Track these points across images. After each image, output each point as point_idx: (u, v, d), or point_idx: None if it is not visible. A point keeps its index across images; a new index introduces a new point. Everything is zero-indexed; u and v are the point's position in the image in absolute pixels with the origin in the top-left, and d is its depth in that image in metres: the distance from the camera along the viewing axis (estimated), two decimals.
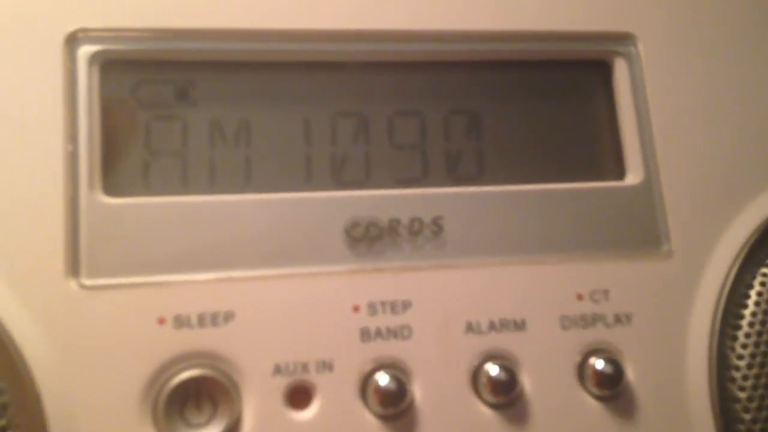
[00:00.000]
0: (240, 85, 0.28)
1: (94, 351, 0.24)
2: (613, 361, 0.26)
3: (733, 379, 0.27)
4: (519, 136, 0.30)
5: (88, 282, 0.25)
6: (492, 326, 0.26)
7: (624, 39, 0.30)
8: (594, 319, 0.27)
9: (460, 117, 0.29)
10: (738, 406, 0.27)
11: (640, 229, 0.29)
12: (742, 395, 0.27)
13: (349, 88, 0.29)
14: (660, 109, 0.30)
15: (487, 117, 0.29)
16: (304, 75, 0.28)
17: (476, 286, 0.27)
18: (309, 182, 0.27)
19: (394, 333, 0.26)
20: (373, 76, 0.29)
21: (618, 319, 0.27)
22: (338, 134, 0.28)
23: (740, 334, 0.27)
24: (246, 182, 0.27)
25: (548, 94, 0.30)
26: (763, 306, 0.27)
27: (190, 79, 0.27)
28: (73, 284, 0.24)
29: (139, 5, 0.27)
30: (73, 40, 0.26)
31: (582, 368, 0.27)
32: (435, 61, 0.30)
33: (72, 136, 0.25)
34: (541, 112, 0.30)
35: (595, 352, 0.27)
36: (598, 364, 0.26)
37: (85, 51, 0.26)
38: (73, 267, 0.24)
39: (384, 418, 0.25)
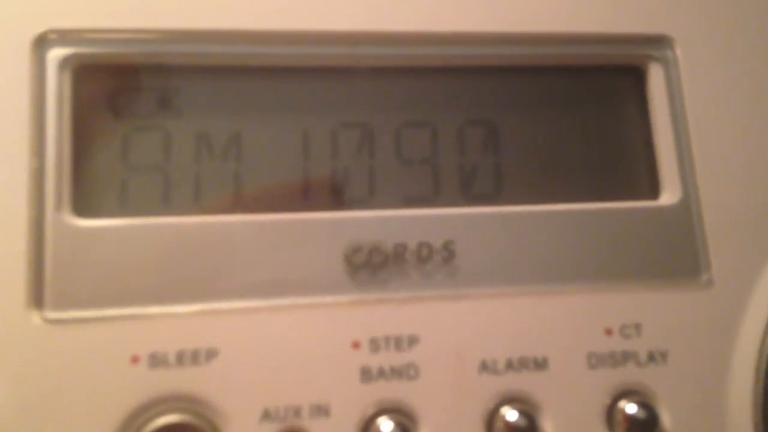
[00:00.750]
0: (230, 93, 0.26)
1: (58, 394, 0.22)
2: (646, 404, 0.24)
3: None
4: (541, 150, 0.27)
5: (52, 315, 0.22)
6: (510, 365, 0.24)
7: (659, 42, 0.28)
8: (625, 357, 0.25)
9: (475, 129, 0.27)
10: None
11: (676, 256, 0.26)
12: None
13: (353, 97, 0.26)
14: (699, 119, 0.27)
15: (505, 129, 0.27)
16: (302, 81, 0.26)
17: (492, 319, 0.24)
18: (305, 201, 0.25)
19: (399, 372, 0.24)
20: (379, 83, 0.27)
21: (652, 357, 0.25)
22: (339, 147, 0.26)
23: None
24: (235, 201, 0.25)
25: (574, 104, 0.28)
26: None
27: (174, 86, 0.25)
28: (35, 317, 0.22)
29: (117, 3, 0.24)
30: (41, 42, 0.24)
31: (611, 413, 0.24)
32: (448, 66, 0.27)
33: (38, 150, 0.23)
34: (566, 124, 0.28)
35: (626, 394, 0.25)
36: (630, 408, 0.24)
37: (55, 54, 0.24)
38: (36, 298, 0.22)
39: None
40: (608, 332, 0.25)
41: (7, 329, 0.22)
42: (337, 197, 0.25)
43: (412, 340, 0.24)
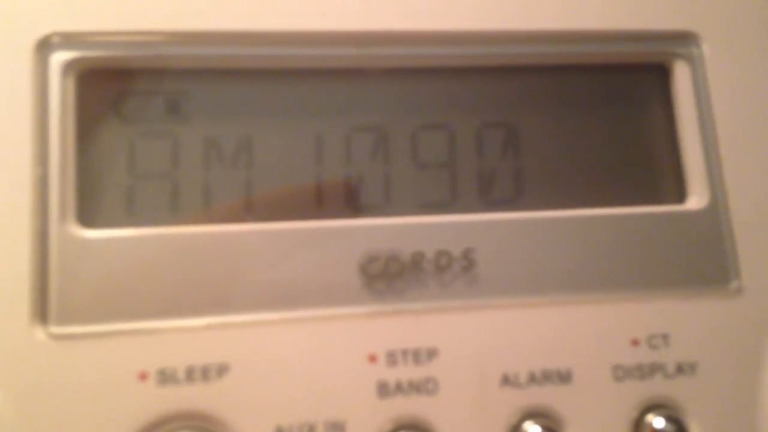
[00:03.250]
0: (239, 97, 0.25)
1: (64, 412, 0.21)
2: (674, 418, 0.24)
3: None
4: (562, 153, 0.26)
5: (57, 330, 0.21)
6: (532, 378, 0.23)
7: (685, 38, 0.27)
8: (652, 369, 0.24)
9: (494, 131, 0.26)
10: None
11: (704, 262, 0.25)
12: None
13: (366, 99, 0.26)
14: (727, 119, 0.26)
15: (525, 131, 0.26)
16: (314, 84, 0.25)
17: (514, 330, 0.24)
18: (319, 209, 0.24)
19: (417, 387, 0.23)
20: (393, 85, 0.26)
21: (680, 369, 0.24)
22: (353, 152, 0.25)
23: None
24: (246, 210, 0.24)
25: (596, 104, 0.27)
26: None
27: (183, 90, 0.24)
28: (40, 333, 0.21)
29: (122, 5, 0.24)
30: (45, 46, 0.23)
31: (638, 427, 0.24)
32: (465, 66, 0.26)
33: (42, 158, 0.22)
34: (588, 125, 0.27)
35: (654, 408, 0.24)
36: (657, 422, 0.23)
37: (58, 58, 0.23)
38: (41, 312, 0.21)
39: None
40: (635, 343, 0.24)
41: (11, 345, 0.21)
42: (351, 204, 0.25)
43: (431, 353, 0.23)
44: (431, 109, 0.26)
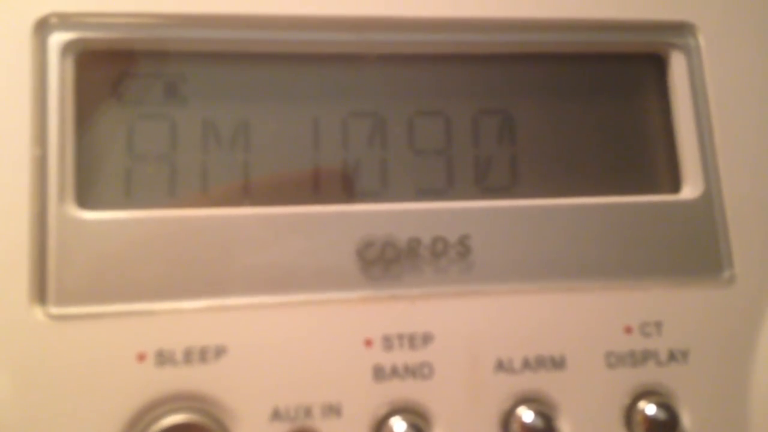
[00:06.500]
0: (238, 80, 0.25)
1: (62, 392, 0.21)
2: (666, 405, 0.24)
3: None
4: (557, 141, 0.26)
5: (56, 311, 0.22)
6: (526, 364, 0.23)
7: (681, 29, 0.27)
8: (645, 357, 0.24)
9: (490, 118, 0.26)
10: None
11: (698, 252, 0.25)
12: None
13: (364, 85, 0.26)
14: (723, 110, 0.26)
15: (521, 118, 0.26)
16: (313, 69, 0.25)
17: (508, 316, 0.24)
18: (316, 194, 0.24)
19: (413, 371, 0.23)
20: (390, 71, 0.26)
21: (672, 357, 0.24)
22: (351, 138, 0.25)
23: None
24: (244, 193, 0.24)
25: (592, 93, 0.27)
26: None
27: (181, 73, 0.24)
28: (38, 313, 0.21)
29: None
30: (43, 27, 0.23)
31: (630, 413, 0.24)
32: (462, 53, 0.26)
33: (41, 139, 0.22)
34: (584, 114, 0.27)
35: (646, 394, 0.24)
36: (650, 409, 0.24)
37: (57, 39, 0.23)
38: (39, 293, 0.22)
39: None
40: (628, 330, 0.24)
41: (10, 325, 0.21)
42: (348, 189, 0.25)
43: (427, 338, 0.23)
44: (428, 95, 0.26)
